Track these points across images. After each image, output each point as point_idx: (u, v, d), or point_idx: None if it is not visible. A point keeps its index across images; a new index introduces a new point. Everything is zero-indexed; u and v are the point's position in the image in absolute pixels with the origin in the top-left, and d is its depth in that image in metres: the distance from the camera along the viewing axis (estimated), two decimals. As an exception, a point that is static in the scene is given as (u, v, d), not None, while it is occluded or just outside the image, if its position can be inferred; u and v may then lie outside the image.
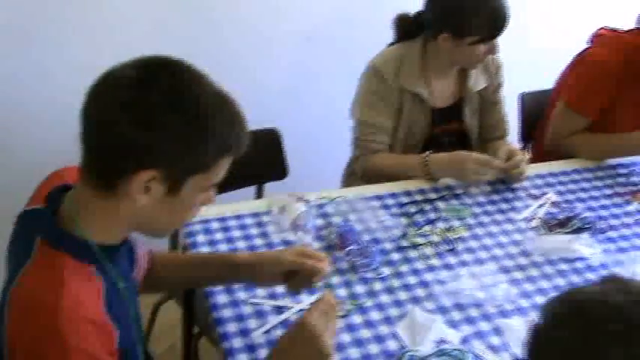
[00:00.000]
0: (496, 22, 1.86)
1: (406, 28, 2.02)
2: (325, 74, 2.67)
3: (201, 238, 1.65)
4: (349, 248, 1.62)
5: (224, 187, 1.10)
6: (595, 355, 0.82)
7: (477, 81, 2.06)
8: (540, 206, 1.85)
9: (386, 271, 1.58)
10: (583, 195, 1.91)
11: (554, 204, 1.86)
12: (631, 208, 1.87)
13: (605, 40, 2.09)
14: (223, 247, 1.62)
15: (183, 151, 0.96)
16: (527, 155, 2.32)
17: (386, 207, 1.81)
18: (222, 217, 1.71)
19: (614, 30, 2.11)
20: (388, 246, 1.66)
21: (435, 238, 1.70)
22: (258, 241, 1.65)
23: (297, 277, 1.29)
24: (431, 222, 1.76)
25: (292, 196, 1.75)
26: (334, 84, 2.57)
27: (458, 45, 1.89)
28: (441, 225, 1.75)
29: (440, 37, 1.90)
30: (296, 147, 2.19)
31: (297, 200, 1.74)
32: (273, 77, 2.61)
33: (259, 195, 2.16)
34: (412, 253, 1.65)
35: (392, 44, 2.06)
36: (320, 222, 1.72)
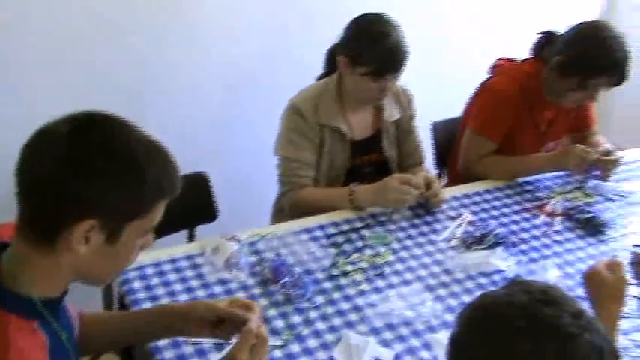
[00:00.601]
0: (387, 61, 1.94)
1: (332, 60, 2.13)
2: (249, 115, 2.76)
3: (137, 284, 1.67)
4: (283, 281, 1.68)
5: (157, 232, 1.15)
6: (506, 353, 0.93)
7: (392, 112, 2.19)
8: (458, 226, 1.98)
9: (319, 299, 1.66)
10: (495, 213, 2.06)
11: (470, 223, 2.00)
12: (538, 221, 2.03)
13: (502, 69, 2.28)
14: (160, 291, 1.66)
15: (121, 199, 1.01)
16: (443, 181, 2.48)
17: (315, 239, 1.89)
18: (157, 262, 1.75)
19: (510, 60, 2.31)
20: (320, 275, 1.74)
21: (364, 265, 1.80)
22: (195, 282, 1.70)
23: (227, 324, 1.28)
24: (358, 250, 1.86)
25: (224, 236, 1.81)
26: (257, 124, 2.67)
27: (351, 72, 1.98)
28: (368, 252, 1.85)
29: (340, 59, 2.02)
30: (225, 188, 2.25)
31: (229, 240, 1.80)
32: (198, 120, 2.67)
33: (191, 238, 2.20)
34: (343, 281, 1.73)
35: (320, 77, 2.17)
36: (253, 258, 1.79)
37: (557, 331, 0.91)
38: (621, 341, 1.55)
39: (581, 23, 2.13)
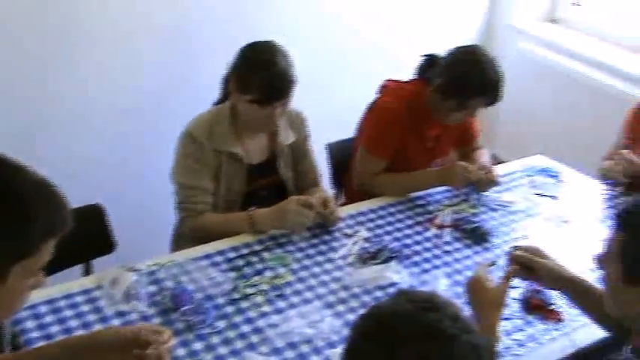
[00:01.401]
0: (273, 89, 1.97)
1: (227, 86, 2.15)
2: (144, 143, 2.74)
3: (30, 324, 1.62)
4: (184, 308, 1.69)
5: (49, 269, 1.13)
6: (395, 358, 0.99)
7: (287, 135, 2.24)
8: (354, 243, 2.05)
9: (221, 324, 1.67)
10: (389, 228, 2.15)
11: (365, 239, 2.07)
12: (429, 234, 2.14)
13: (389, 90, 2.39)
14: (55, 329, 1.61)
15: (6, 241, 0.99)
16: (340, 200, 2.55)
17: (215, 264, 1.91)
18: (51, 299, 1.70)
19: (396, 81, 2.42)
20: (221, 300, 1.76)
21: (264, 287, 1.83)
22: (92, 317, 1.66)
23: (135, 350, 1.29)
24: (259, 272, 1.89)
25: (122, 267, 1.79)
26: (153, 152, 2.65)
27: (240, 99, 2.02)
28: (268, 274, 1.88)
29: (230, 86, 2.05)
30: (122, 218, 2.22)
31: (127, 271, 1.78)
32: (93, 150, 2.62)
33: (87, 272, 2.15)
34: (244, 304, 1.76)
35: (217, 103, 2.19)
36: (153, 288, 1.78)
37: (439, 335, 0.99)
38: (505, 341, 1.66)
39: (458, 47, 2.27)
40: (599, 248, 1.40)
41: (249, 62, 2.02)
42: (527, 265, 1.65)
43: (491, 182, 2.29)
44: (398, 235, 2.12)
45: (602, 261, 1.38)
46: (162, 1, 2.74)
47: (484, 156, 2.49)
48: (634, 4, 3.53)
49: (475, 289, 1.53)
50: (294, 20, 3.16)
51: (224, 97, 2.19)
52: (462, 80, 2.18)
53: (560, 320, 1.78)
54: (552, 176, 2.54)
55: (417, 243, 2.08)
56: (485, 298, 1.50)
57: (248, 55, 2.03)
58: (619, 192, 2.48)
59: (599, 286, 1.50)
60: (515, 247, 1.74)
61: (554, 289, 1.70)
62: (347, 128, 2.54)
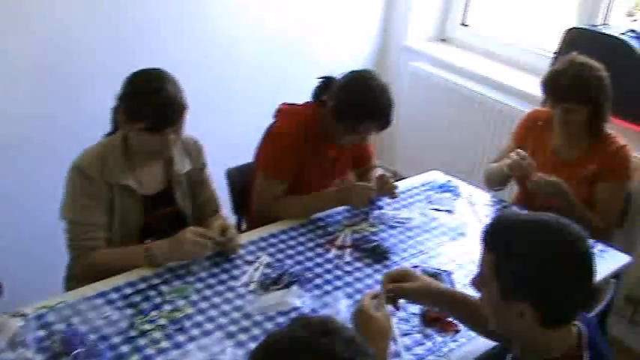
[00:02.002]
0: (163, 115, 1.93)
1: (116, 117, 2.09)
2: (28, 179, 2.62)
3: None
4: (75, 352, 1.61)
5: None
6: None
7: (182, 164, 2.20)
8: (256, 269, 2.04)
9: (116, 365, 1.61)
10: (291, 252, 2.15)
11: (267, 265, 2.06)
12: (330, 255, 2.15)
13: (285, 113, 2.40)
14: None
15: None
16: (243, 226, 2.53)
17: (111, 302, 1.83)
18: None
19: (292, 104, 2.44)
20: (116, 340, 1.69)
21: (163, 321, 1.77)
22: (-26, 370, 1.56)
23: None
24: (157, 307, 1.83)
25: (6, 313, 1.69)
26: (37, 189, 2.54)
27: (131, 128, 1.97)
28: (167, 307, 1.83)
29: (118, 116, 2.01)
30: (7, 261, 2.10)
31: (12, 317, 1.68)
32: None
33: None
34: (141, 341, 1.70)
35: (109, 134, 2.11)
36: (41, 333, 1.68)
37: (333, 359, 0.99)
38: (405, 357, 1.69)
39: (352, 72, 2.31)
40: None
41: (137, 90, 1.97)
42: (396, 293, 1.67)
43: (392, 188, 2.34)
44: (299, 258, 2.12)
45: (478, 283, 1.42)
46: (42, 32, 2.65)
47: (379, 175, 2.54)
48: (517, 25, 3.75)
49: (361, 319, 1.52)
50: (190, 47, 3.14)
51: (114, 129, 2.13)
52: (353, 105, 2.23)
53: (457, 331, 1.83)
54: (448, 191, 2.63)
55: (319, 265, 2.09)
56: (372, 328, 1.49)
57: (136, 83, 1.99)
58: (508, 204, 2.61)
59: (474, 294, 1.53)
60: (384, 275, 1.73)
61: (431, 306, 1.75)
62: (246, 153, 2.53)
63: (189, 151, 2.24)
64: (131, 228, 2.10)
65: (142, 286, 1.91)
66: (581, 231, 1.33)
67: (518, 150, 2.45)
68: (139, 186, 2.09)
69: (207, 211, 2.30)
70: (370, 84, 2.25)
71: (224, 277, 1.99)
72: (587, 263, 1.31)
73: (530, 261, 1.30)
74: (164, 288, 1.91)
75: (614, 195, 2.49)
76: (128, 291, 1.88)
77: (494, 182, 2.67)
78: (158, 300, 1.86)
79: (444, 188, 2.64)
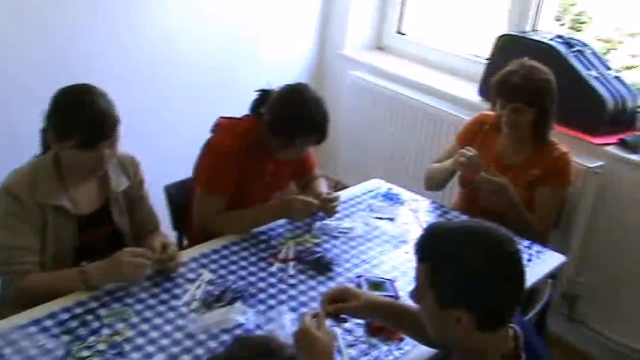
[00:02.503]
0: (94, 130, 1.87)
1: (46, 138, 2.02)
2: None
3: None
4: (8, 385, 1.54)
5: None
6: None
7: (119, 182, 2.14)
8: (198, 287, 2.00)
9: (53, 396, 1.54)
10: (233, 267, 2.12)
11: (209, 282, 2.02)
12: (273, 269, 2.13)
13: (223, 127, 2.38)
14: None
15: None
16: (184, 243, 2.49)
17: (45, 329, 1.76)
18: None
19: (230, 118, 2.42)
20: (53, 369, 1.63)
21: (101, 347, 1.71)
22: None
23: None
24: (95, 332, 1.77)
25: None
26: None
27: (63, 146, 1.91)
28: (105, 332, 1.77)
29: (48, 136, 1.94)
30: None
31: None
32: None
33: None
34: (79, 369, 1.64)
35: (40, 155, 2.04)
36: (-29, 366, 1.61)
37: None
38: (351, 369, 1.69)
39: (287, 86, 2.30)
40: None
41: (65, 107, 1.91)
42: (337, 313, 1.68)
43: (333, 207, 2.35)
44: (242, 273, 2.09)
45: (416, 295, 1.44)
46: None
47: (322, 185, 2.55)
48: (451, 32, 3.83)
49: (304, 340, 1.50)
50: (125, 61, 3.08)
51: (45, 149, 2.05)
52: (288, 120, 2.23)
53: (401, 339, 1.83)
54: (389, 198, 2.65)
55: (262, 280, 2.07)
56: (315, 349, 1.48)
57: (63, 100, 1.92)
58: (448, 209, 2.65)
59: (411, 304, 1.55)
60: (323, 295, 1.73)
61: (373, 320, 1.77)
62: (184, 168, 2.49)
63: (126, 168, 2.18)
64: (66, 250, 2.03)
65: (79, 310, 1.84)
66: (507, 234, 1.37)
67: (468, 148, 2.49)
68: (74, 206, 2.03)
69: (146, 229, 2.24)
70: (304, 98, 2.25)
71: (165, 296, 1.95)
72: (516, 265, 1.35)
73: (461, 267, 1.33)
74: (102, 311, 1.85)
75: (553, 200, 2.57)
76: (64, 317, 1.81)
77: (435, 182, 2.71)
78: (96, 324, 1.80)
79: (385, 196, 2.66)
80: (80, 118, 1.87)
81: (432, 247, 1.39)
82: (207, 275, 2.06)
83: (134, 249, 1.96)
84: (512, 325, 1.41)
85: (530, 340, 1.41)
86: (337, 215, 2.43)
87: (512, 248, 1.35)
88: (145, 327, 1.81)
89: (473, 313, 1.32)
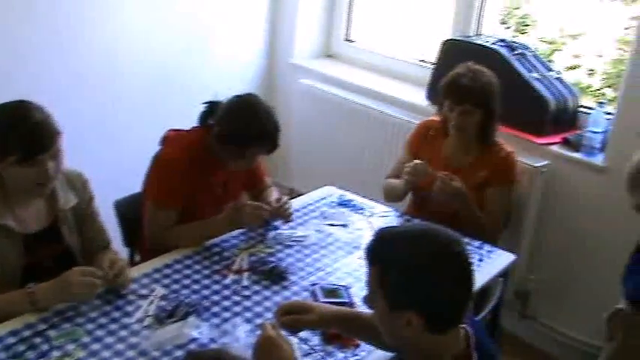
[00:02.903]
0: (33, 142, 1.84)
1: None
2: None
3: None
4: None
5: None
6: None
7: (67, 199, 2.09)
8: (150, 303, 1.97)
9: (1, 423, 1.50)
10: (186, 281, 2.10)
11: (162, 297, 2.00)
12: (228, 281, 2.11)
13: (171, 140, 2.36)
14: None
15: None
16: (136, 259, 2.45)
17: (-9, 355, 1.72)
18: None
19: (178, 130, 2.40)
20: (0, 396, 1.58)
21: (51, 369, 1.68)
22: None
23: None
24: (44, 354, 1.72)
25: None
26: None
27: (3, 165, 1.86)
28: (55, 354, 1.73)
29: None
30: None
31: None
32: None
33: None
34: (28, 394, 1.60)
35: None
36: None
37: None
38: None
39: (235, 97, 2.30)
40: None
41: (1, 125, 1.87)
42: (292, 325, 1.69)
43: (287, 210, 2.36)
44: (196, 287, 2.07)
45: (368, 300, 1.46)
46: None
47: (274, 194, 2.55)
48: (398, 38, 3.89)
49: (267, 347, 1.49)
50: (70, 75, 3.02)
51: None
52: (239, 131, 2.23)
53: (357, 346, 1.84)
54: (342, 205, 2.67)
55: (216, 292, 2.05)
56: (279, 357, 1.47)
57: None
58: (401, 213, 2.68)
59: (366, 310, 1.57)
60: (277, 309, 1.75)
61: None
62: (133, 183, 2.45)
63: (74, 185, 2.14)
64: (12, 270, 1.97)
65: (27, 333, 1.79)
66: (454, 235, 1.40)
67: (417, 161, 2.53)
68: (19, 225, 1.98)
69: (96, 247, 2.20)
70: (255, 108, 2.25)
71: (117, 314, 1.91)
72: (463, 266, 1.38)
73: (408, 269, 1.35)
74: (52, 333, 1.80)
75: (502, 199, 2.64)
76: (11, 340, 1.76)
77: (393, 197, 2.75)
78: (45, 347, 1.75)
79: (338, 203, 2.68)
80: (17, 133, 1.84)
81: (381, 250, 1.41)
82: (159, 290, 2.03)
83: (84, 268, 1.93)
84: (463, 325, 1.43)
85: (481, 340, 1.44)
86: (290, 224, 2.44)
87: (458, 249, 1.38)
88: (96, 347, 1.78)
89: (422, 315, 1.34)
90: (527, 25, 3.90)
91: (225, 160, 2.29)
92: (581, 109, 3.11)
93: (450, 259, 1.36)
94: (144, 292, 2.02)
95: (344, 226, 2.51)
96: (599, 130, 2.89)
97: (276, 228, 2.42)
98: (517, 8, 3.93)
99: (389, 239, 1.41)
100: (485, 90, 2.54)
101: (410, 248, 1.37)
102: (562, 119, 3.04)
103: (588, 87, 3.67)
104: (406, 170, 2.51)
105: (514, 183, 2.68)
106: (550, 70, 3.15)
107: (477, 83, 2.53)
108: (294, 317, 1.68)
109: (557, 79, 3.11)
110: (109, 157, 3.07)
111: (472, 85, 2.52)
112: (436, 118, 2.74)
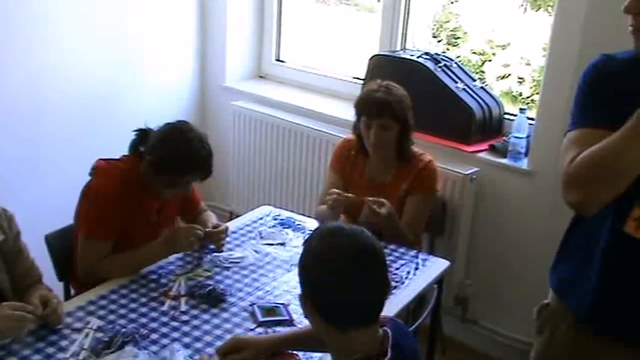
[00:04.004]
0: None
1: None
2: None
3: None
4: None
5: None
6: None
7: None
8: (86, 336, 1.93)
9: None
10: (123, 311, 2.06)
11: (98, 329, 1.96)
12: (165, 307, 2.09)
13: (101, 170, 2.32)
14: None
15: None
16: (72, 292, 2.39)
17: None
18: None
19: (108, 160, 2.36)
20: None
21: (-18, 413, 1.62)
22: None
23: None
24: (-26, 398, 1.68)
25: None
26: None
27: None
28: (-14, 396, 1.68)
29: None
30: None
31: None
32: None
33: None
34: None
35: None
36: None
37: None
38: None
39: (167, 125, 2.29)
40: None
41: None
42: None
43: (223, 236, 2.37)
44: (133, 316, 2.04)
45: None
46: None
47: (211, 218, 2.55)
48: (327, 56, 3.96)
49: None
50: None
51: None
52: (173, 159, 2.22)
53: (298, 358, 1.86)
54: (279, 224, 2.68)
55: (154, 320, 2.03)
56: None
57: None
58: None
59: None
60: (216, 351, 1.80)
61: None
62: (64, 215, 2.40)
63: (0, 222, 2.09)
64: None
65: (-45, 377, 1.74)
66: (366, 238, 1.44)
67: (334, 191, 2.54)
68: (-59, 266, 1.92)
69: (27, 283, 2.14)
70: (188, 137, 2.24)
71: (51, 350, 1.87)
72: (358, 264, 1.42)
73: (307, 270, 1.46)
74: (-19, 375, 1.75)
75: (421, 207, 2.68)
76: (-62, 386, 1.71)
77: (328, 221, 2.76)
78: (-25, 390, 1.70)
79: (275, 222, 2.69)
80: None
81: (306, 267, 1.47)
82: (95, 322, 1.99)
83: (13, 303, 1.88)
84: (385, 328, 1.48)
85: (399, 341, 1.47)
86: (228, 246, 2.44)
87: (357, 249, 1.42)
88: (29, 387, 1.73)
89: (321, 314, 1.43)
90: (458, 38, 4.03)
91: (158, 187, 2.28)
92: (507, 117, 3.23)
93: (345, 257, 1.41)
94: (78, 325, 1.98)
95: (281, 244, 2.52)
96: (523, 136, 3.01)
97: (213, 251, 2.42)
98: (447, 22, 4.06)
99: (308, 240, 1.51)
100: (401, 102, 2.59)
101: (317, 244, 1.46)
102: (488, 127, 3.15)
103: (520, 94, 3.82)
104: (328, 204, 2.51)
105: (434, 191, 2.72)
106: (474, 80, 3.26)
107: (392, 97, 2.58)
108: (232, 358, 1.73)
109: (482, 88, 3.22)
110: (35, 191, 2.99)
111: (387, 98, 2.57)
112: (352, 137, 2.77)
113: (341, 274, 1.41)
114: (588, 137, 1.50)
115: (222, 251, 2.41)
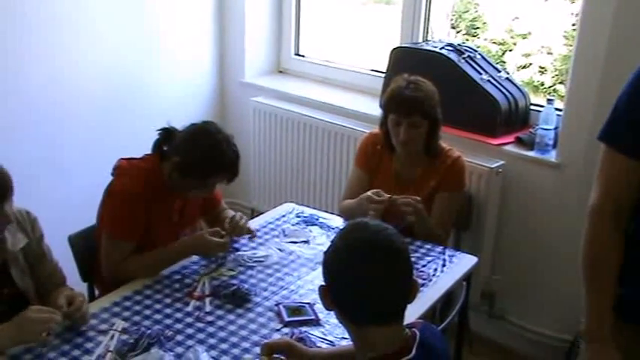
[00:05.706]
0: None
1: None
2: None
3: None
4: None
5: None
6: None
7: (16, 241, 2.02)
8: (111, 338, 1.91)
9: None
10: (148, 312, 2.05)
11: (123, 331, 1.95)
12: (190, 308, 2.07)
13: (124, 170, 2.30)
14: None
15: None
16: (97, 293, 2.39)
17: (-54, 407, 1.64)
18: None
19: (130, 159, 2.34)
20: None
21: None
22: None
23: None
24: (1, 402, 1.67)
25: None
26: None
27: None
28: (13, 400, 1.67)
29: None
30: None
31: None
32: None
33: None
34: None
35: None
36: None
37: None
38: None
39: (193, 127, 2.27)
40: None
41: None
42: None
43: (243, 225, 2.37)
44: (157, 317, 2.02)
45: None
46: None
47: (228, 215, 2.52)
48: (347, 49, 3.90)
49: None
50: (12, 108, 2.95)
51: None
52: (200, 162, 2.19)
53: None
54: (302, 221, 2.64)
55: (178, 321, 2.01)
56: None
57: None
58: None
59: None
60: (263, 346, 1.72)
61: None
62: (86, 216, 2.39)
63: (22, 225, 2.07)
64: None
65: (-18, 381, 1.73)
66: (380, 231, 1.42)
67: (376, 191, 2.46)
68: (-34, 271, 1.91)
69: (51, 285, 2.13)
70: (215, 139, 2.21)
71: (76, 352, 1.85)
72: (372, 263, 1.39)
73: (328, 264, 1.46)
74: (8, 378, 1.74)
75: (450, 205, 2.62)
76: (-34, 390, 1.70)
77: (352, 217, 2.70)
78: (2, 394, 1.69)
79: (298, 219, 2.66)
80: None
81: (330, 268, 1.47)
82: (120, 324, 1.98)
83: (40, 307, 1.87)
84: (413, 328, 1.45)
85: (427, 341, 1.43)
86: (251, 245, 2.41)
87: (375, 246, 1.40)
88: (56, 389, 1.72)
89: (340, 309, 1.44)
90: (477, 28, 3.96)
91: (183, 189, 2.26)
92: (533, 108, 3.16)
93: (363, 254, 1.40)
94: (104, 327, 1.97)
95: (305, 242, 2.49)
96: (551, 128, 2.93)
97: (236, 250, 2.39)
98: (466, 12, 3.99)
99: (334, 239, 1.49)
100: (431, 99, 2.51)
101: (334, 249, 1.45)
102: (514, 119, 3.08)
103: (541, 84, 3.74)
104: (371, 213, 2.41)
105: (463, 188, 2.67)
106: (499, 71, 3.19)
107: (422, 94, 2.49)
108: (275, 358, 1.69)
109: (507, 79, 3.15)
110: (58, 193, 2.99)
111: (417, 95, 2.48)
112: (377, 131, 2.70)
113: (356, 271, 1.39)
114: (619, 172, 1.55)
115: (252, 237, 2.43)
